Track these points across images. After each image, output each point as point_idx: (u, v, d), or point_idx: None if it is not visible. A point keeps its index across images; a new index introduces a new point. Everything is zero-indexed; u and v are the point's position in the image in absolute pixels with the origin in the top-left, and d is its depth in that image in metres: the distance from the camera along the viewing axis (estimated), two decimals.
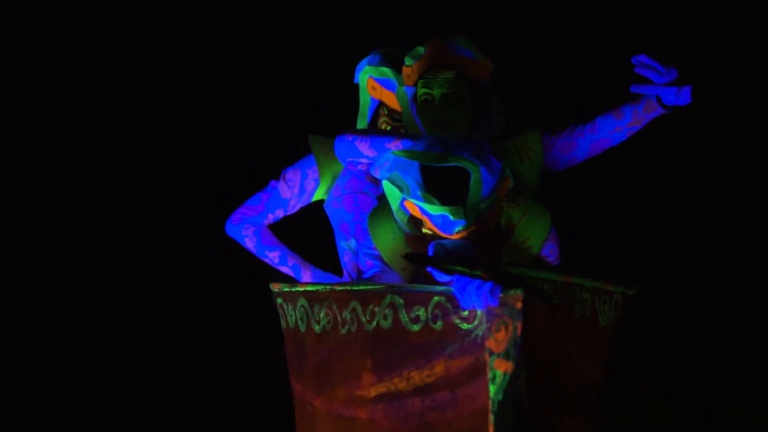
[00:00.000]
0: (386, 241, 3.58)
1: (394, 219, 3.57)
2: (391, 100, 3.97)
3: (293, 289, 3.53)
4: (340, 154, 3.72)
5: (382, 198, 3.90)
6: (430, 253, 3.36)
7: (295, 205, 4.06)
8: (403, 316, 3.28)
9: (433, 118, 3.69)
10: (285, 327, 3.62)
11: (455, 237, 3.41)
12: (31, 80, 5.19)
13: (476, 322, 3.15)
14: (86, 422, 5.10)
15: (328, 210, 4.06)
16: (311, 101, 5.09)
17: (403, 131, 3.94)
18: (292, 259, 4.10)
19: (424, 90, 3.70)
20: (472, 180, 3.35)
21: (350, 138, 3.70)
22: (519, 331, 3.07)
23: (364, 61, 4.01)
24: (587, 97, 4.83)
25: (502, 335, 3.09)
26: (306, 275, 4.09)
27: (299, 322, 3.53)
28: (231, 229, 4.08)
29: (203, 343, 5.18)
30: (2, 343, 5.13)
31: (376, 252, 3.58)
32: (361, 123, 4.04)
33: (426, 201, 3.35)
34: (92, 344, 5.16)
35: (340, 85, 4.28)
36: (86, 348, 5.16)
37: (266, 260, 4.10)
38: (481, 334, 3.14)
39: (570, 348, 3.33)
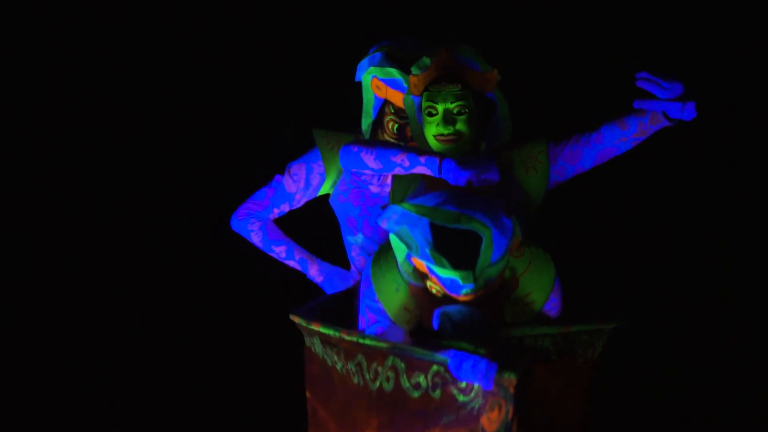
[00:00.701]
0: (389, 294, 3.53)
1: (398, 269, 3.51)
2: (397, 99, 3.88)
3: (309, 327, 3.55)
4: (344, 164, 3.68)
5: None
6: (435, 325, 3.32)
7: (300, 200, 4.03)
8: (405, 382, 3.31)
9: (437, 132, 3.62)
10: (312, 350, 3.66)
11: (462, 299, 3.36)
12: (34, 80, 5.10)
13: (472, 394, 3.17)
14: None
15: (334, 204, 4.02)
16: (315, 95, 4.98)
17: (409, 133, 3.89)
18: (299, 254, 4.09)
19: (429, 103, 3.63)
20: (483, 245, 3.28)
21: (356, 149, 3.65)
22: (510, 416, 3.08)
23: (366, 60, 3.90)
24: (591, 102, 4.71)
25: (495, 415, 3.11)
26: (313, 269, 4.09)
27: (325, 356, 3.57)
28: (236, 224, 4.07)
29: (206, 345, 5.21)
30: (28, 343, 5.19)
31: (379, 305, 3.53)
32: (366, 121, 3.95)
33: (436, 262, 3.29)
34: (94, 345, 5.20)
35: (344, 79, 4.17)
36: (87, 350, 5.21)
37: (273, 255, 4.10)
38: (477, 407, 3.16)
39: (571, 392, 3.37)
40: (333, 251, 4.13)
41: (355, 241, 4.01)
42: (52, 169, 5.15)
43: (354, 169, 3.67)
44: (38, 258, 5.16)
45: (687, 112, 3.53)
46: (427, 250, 3.29)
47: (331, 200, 4.03)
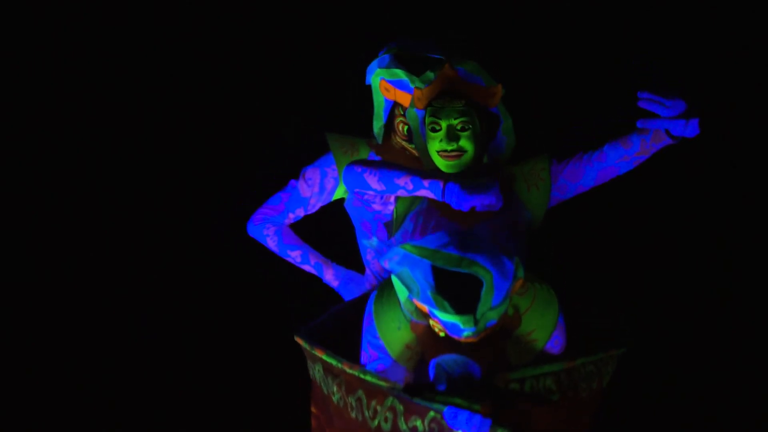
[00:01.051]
0: (391, 332, 3.51)
1: (400, 307, 3.50)
2: (405, 100, 3.87)
3: (312, 351, 3.57)
4: (348, 184, 3.68)
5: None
6: (431, 374, 3.33)
7: (315, 204, 4.04)
8: (402, 424, 3.36)
9: (440, 148, 3.62)
10: (311, 374, 3.67)
11: (463, 340, 3.35)
12: (34, 80, 5.08)
13: None
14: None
15: (349, 208, 4.04)
16: (328, 100, 4.97)
17: None
18: (314, 258, 4.10)
19: (432, 118, 3.62)
20: (484, 289, 3.26)
21: (359, 170, 3.65)
22: None
23: (375, 63, 3.90)
24: (593, 107, 4.73)
25: None
26: (329, 273, 4.10)
27: (322, 384, 3.58)
28: (252, 229, 4.08)
29: (212, 347, 5.21)
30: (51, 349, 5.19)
31: (380, 342, 3.52)
32: (377, 124, 3.96)
33: (437, 306, 3.27)
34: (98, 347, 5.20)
35: (356, 83, 4.17)
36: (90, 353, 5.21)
37: (288, 260, 4.11)
38: None
39: (574, 422, 3.40)
40: (348, 255, 4.14)
41: (369, 245, 4.03)
42: (52, 169, 5.14)
43: (357, 190, 3.68)
44: (38, 258, 5.15)
45: (690, 129, 3.51)
46: (429, 293, 3.27)
47: (346, 204, 4.04)
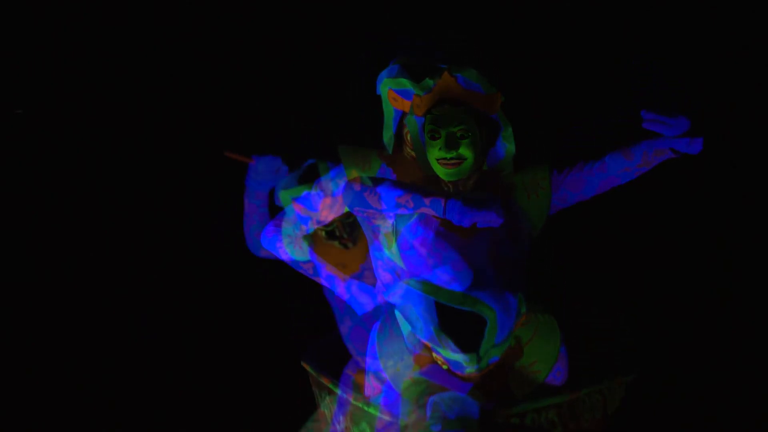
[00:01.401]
0: (394, 365, 3.52)
1: (404, 339, 3.50)
2: None
3: (319, 379, 3.57)
4: (348, 203, 3.70)
5: None
6: (428, 413, 3.33)
7: (327, 216, 4.04)
8: None
9: (439, 156, 3.63)
10: (317, 403, 3.68)
11: (466, 376, 3.36)
12: (34, 79, 5.04)
13: None
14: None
15: (361, 221, 4.03)
16: (340, 111, 4.96)
17: None
18: (326, 270, 4.10)
19: (432, 126, 3.63)
20: (487, 327, 3.27)
21: (359, 188, 3.67)
22: None
23: (384, 72, 3.91)
24: (595, 114, 4.73)
25: None
26: (340, 285, 4.11)
27: (325, 410, 3.59)
28: (266, 241, 4.09)
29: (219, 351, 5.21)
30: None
31: (383, 375, 3.52)
32: (387, 133, 3.96)
33: (440, 344, 3.27)
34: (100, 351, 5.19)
35: (356, 84, 4.18)
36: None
37: (301, 271, 4.12)
38: None
39: None
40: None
41: (380, 257, 4.03)
42: (52, 169, 5.12)
43: (357, 208, 3.69)
44: (38, 258, 5.14)
45: (694, 147, 3.56)
46: (432, 330, 3.28)
47: (358, 216, 4.04)
